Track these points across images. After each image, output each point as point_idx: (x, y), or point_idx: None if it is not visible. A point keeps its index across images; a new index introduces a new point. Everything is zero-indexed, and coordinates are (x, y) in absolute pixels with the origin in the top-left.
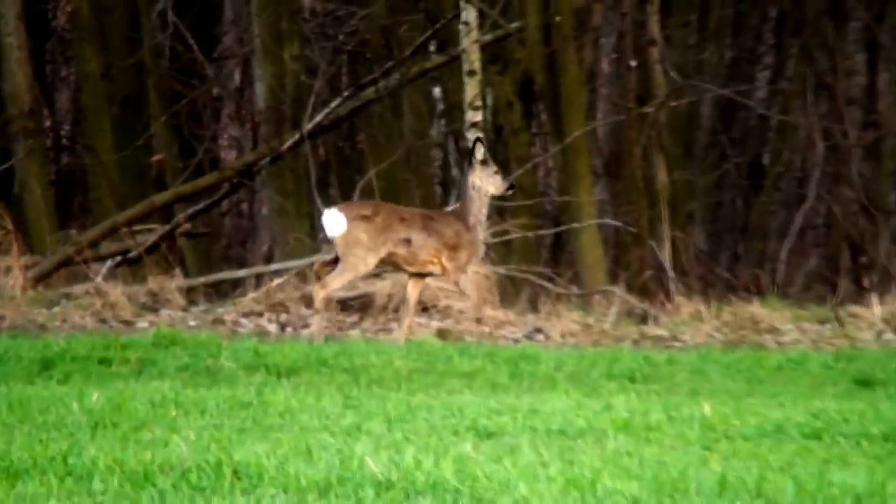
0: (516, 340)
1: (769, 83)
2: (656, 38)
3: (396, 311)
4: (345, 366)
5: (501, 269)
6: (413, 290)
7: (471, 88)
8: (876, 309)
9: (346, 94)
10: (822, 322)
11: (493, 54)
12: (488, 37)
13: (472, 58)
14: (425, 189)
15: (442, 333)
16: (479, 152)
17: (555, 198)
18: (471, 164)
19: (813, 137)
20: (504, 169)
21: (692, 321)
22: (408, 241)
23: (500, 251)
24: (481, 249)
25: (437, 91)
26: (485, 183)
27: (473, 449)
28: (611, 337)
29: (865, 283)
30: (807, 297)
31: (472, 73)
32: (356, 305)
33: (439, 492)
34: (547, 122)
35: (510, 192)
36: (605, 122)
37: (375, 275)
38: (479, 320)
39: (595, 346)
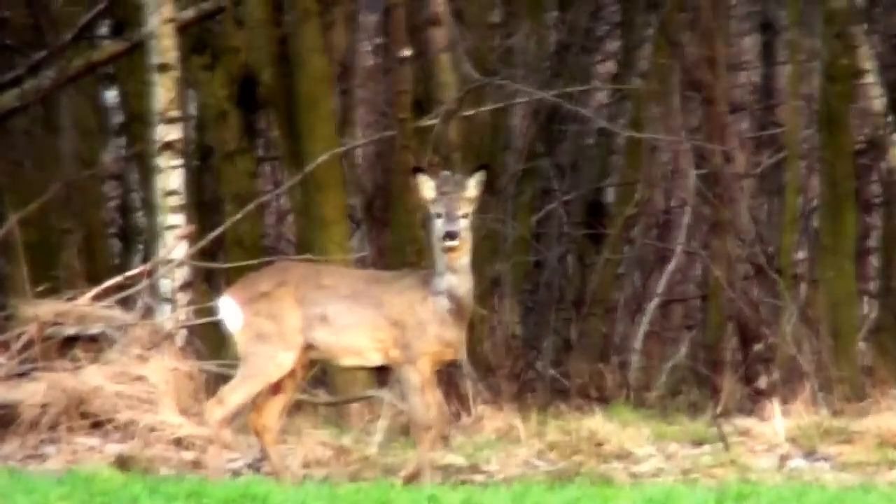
0: (236, 472)
1: (613, 80)
2: (441, 13)
3: (53, 427)
4: None
5: (212, 366)
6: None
7: (163, 91)
8: (778, 421)
9: None
10: (697, 443)
11: (198, 40)
12: (190, 13)
13: (165, 45)
14: (94, 242)
15: (123, 461)
16: (426, 187)
17: (292, 255)
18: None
19: (680, 162)
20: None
21: (502, 442)
22: (324, 319)
23: (212, 338)
24: (446, 331)
25: (111, 96)
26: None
27: None
28: (378, 467)
29: (762, 382)
30: (674, 405)
31: (164, 67)
32: None
33: None
34: (279, 140)
35: (447, 242)
36: (366, 140)
37: (22, 374)
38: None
39: (355, 481)
